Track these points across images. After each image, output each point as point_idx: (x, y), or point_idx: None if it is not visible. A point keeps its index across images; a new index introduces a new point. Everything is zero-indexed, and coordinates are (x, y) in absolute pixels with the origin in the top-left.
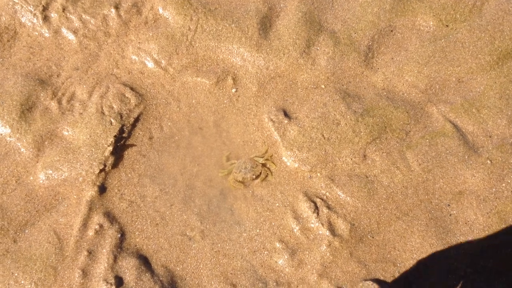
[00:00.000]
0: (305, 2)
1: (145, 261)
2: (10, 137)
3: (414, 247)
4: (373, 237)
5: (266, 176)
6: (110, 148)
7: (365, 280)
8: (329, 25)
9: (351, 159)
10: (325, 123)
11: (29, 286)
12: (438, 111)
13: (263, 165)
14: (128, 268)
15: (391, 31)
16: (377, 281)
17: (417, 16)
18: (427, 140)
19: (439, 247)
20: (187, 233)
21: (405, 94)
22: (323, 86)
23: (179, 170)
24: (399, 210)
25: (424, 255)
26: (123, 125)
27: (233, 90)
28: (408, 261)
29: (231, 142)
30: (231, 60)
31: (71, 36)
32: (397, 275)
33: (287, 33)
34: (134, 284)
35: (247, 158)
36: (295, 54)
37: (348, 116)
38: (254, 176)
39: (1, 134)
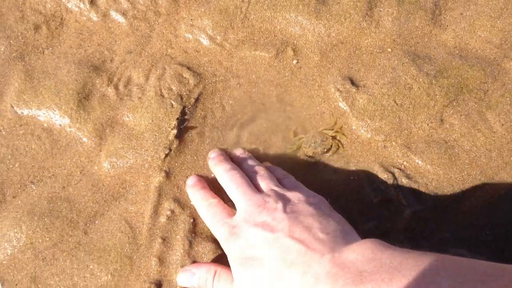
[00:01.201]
0: None
1: (219, 246)
2: (70, 127)
3: (503, 210)
4: (458, 206)
5: (338, 149)
6: (174, 132)
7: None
8: None
9: (428, 124)
10: (396, 88)
11: (106, 278)
12: None
13: (333, 137)
14: (205, 253)
15: None
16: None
17: None
18: (508, 98)
19: None
20: None
21: (479, 51)
22: (389, 50)
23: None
24: (484, 174)
25: None
26: (184, 107)
27: (294, 62)
28: (498, 227)
29: (296, 116)
30: (289, 30)
31: (120, 19)
32: (489, 240)
33: None
34: None
35: (315, 131)
36: (357, 17)
37: (421, 79)
38: (324, 150)
39: (61, 125)
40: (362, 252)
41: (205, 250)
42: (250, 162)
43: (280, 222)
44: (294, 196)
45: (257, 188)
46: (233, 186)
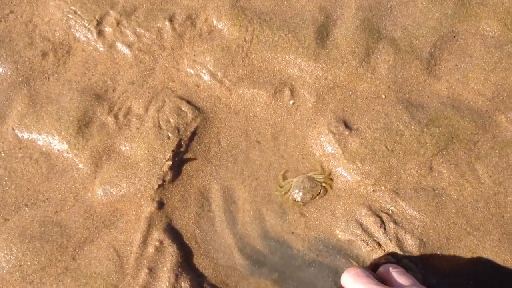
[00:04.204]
0: (363, 9)
1: (206, 282)
2: (67, 153)
3: (488, 261)
4: (442, 253)
5: (326, 193)
6: (169, 163)
7: None
8: (389, 32)
9: (417, 171)
10: (388, 134)
11: None
12: (507, 120)
13: (322, 183)
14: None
15: (454, 37)
16: None
17: (480, 21)
18: (497, 151)
19: None
20: None
21: (471, 103)
22: (383, 96)
23: (237, 185)
24: (470, 224)
25: (497, 272)
26: (180, 140)
27: (291, 102)
28: (482, 276)
29: (289, 155)
30: (288, 70)
31: (126, 50)
32: None
33: (345, 41)
34: None
35: (305, 176)
36: (354, 63)
37: (412, 127)
38: (312, 196)
39: (59, 150)
40: None
41: (190, 285)
42: None
43: None
44: None
45: None
46: None
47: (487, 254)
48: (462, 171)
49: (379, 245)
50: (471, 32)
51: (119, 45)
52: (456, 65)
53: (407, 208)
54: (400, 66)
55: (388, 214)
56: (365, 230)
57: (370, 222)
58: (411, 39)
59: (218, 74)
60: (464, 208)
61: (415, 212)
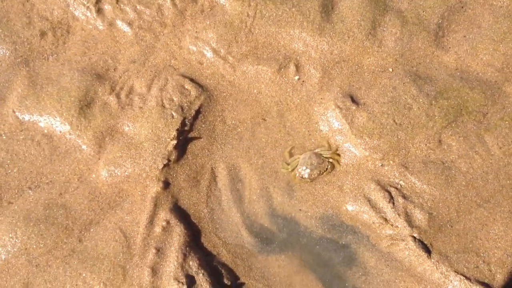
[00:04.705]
0: None
1: (213, 260)
2: (70, 134)
3: (497, 236)
4: (452, 227)
5: (333, 169)
6: (174, 142)
7: None
8: (395, 4)
9: (426, 144)
10: (396, 108)
11: (98, 287)
12: None
13: (329, 158)
14: (199, 267)
15: (462, 7)
16: None
17: None
18: (507, 122)
19: None
20: None
21: (480, 74)
22: (390, 69)
23: (243, 163)
24: (480, 197)
25: (509, 244)
26: (184, 118)
27: (296, 78)
28: (492, 251)
29: (295, 132)
30: (292, 45)
31: (126, 28)
32: (481, 265)
33: (351, 14)
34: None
35: (312, 152)
36: (360, 36)
37: (421, 100)
38: (320, 172)
39: (61, 132)
40: None
41: (199, 264)
42: None
43: None
44: None
45: None
46: None
47: (498, 226)
48: (471, 143)
49: (386, 220)
50: (479, 2)
51: (119, 23)
52: (465, 36)
53: (416, 182)
54: (407, 38)
55: (397, 188)
56: (374, 206)
57: (379, 197)
58: (418, 10)
59: (221, 50)
60: (474, 181)
61: (424, 186)
